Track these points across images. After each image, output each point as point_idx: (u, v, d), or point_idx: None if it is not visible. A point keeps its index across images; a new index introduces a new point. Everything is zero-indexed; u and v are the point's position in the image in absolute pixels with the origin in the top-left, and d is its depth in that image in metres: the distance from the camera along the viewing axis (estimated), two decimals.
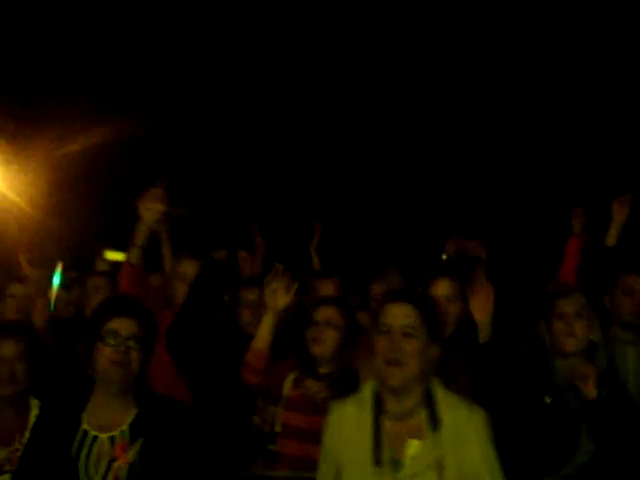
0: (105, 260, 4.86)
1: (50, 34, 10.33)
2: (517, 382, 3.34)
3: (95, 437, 2.68)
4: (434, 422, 2.44)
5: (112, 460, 2.64)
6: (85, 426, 2.70)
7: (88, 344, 2.74)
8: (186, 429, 2.76)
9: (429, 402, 2.49)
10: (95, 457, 2.64)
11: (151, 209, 3.70)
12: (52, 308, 4.83)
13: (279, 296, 3.60)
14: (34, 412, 2.95)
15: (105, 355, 2.67)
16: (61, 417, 2.73)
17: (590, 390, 2.97)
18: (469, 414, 2.48)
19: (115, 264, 4.86)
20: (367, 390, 2.59)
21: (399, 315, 2.50)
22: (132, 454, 2.65)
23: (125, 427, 2.71)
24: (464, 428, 2.44)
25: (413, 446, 2.42)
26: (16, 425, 2.93)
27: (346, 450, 2.51)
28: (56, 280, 5.27)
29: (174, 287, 4.07)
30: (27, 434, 2.83)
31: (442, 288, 3.66)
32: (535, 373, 3.36)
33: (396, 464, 2.42)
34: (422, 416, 2.48)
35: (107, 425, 2.71)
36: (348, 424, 2.55)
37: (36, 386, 3.04)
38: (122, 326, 2.70)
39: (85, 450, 2.64)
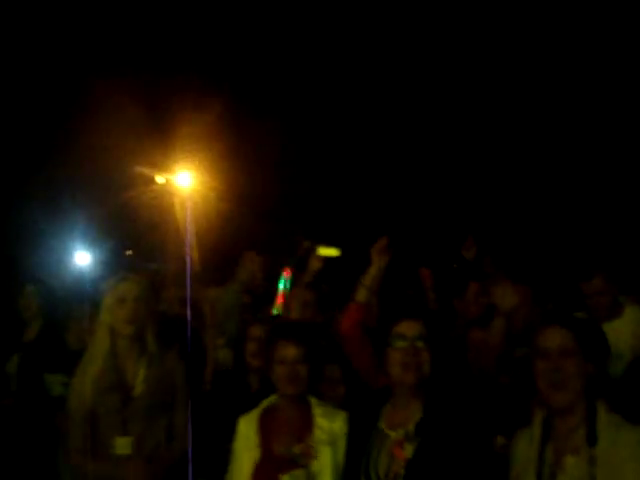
0: (319, 257, 5.06)
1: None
2: None
3: (387, 435, 2.86)
4: (591, 439, 2.54)
5: (392, 456, 2.79)
6: (381, 424, 2.90)
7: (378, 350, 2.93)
8: (467, 434, 2.81)
9: (591, 420, 2.58)
10: (384, 454, 2.81)
11: (381, 257, 3.84)
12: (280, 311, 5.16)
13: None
14: (316, 410, 3.14)
15: (396, 359, 2.85)
16: (363, 416, 2.96)
17: None
18: (630, 433, 2.55)
19: (327, 260, 5.01)
20: (537, 418, 2.75)
21: (555, 338, 2.65)
22: (409, 451, 2.77)
23: (411, 427, 2.85)
24: (622, 446, 2.50)
25: (569, 464, 2.56)
26: (302, 422, 3.11)
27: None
28: (284, 284, 5.48)
29: None
30: (316, 431, 3.06)
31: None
32: None
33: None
34: (582, 433, 2.58)
35: (398, 424, 2.87)
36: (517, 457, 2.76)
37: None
38: (409, 328, 2.85)
39: (377, 448, 2.84)
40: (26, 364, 4.37)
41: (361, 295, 3.85)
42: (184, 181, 10.04)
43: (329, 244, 5.26)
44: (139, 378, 3.30)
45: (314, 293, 4.65)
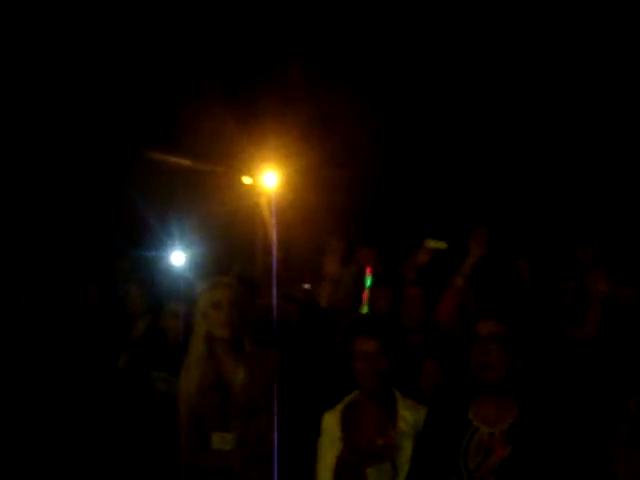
0: (427, 250, 5.15)
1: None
2: None
3: (476, 428, 2.90)
4: None
5: (488, 453, 2.83)
6: (471, 416, 2.94)
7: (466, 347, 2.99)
8: (566, 437, 2.83)
9: None
10: (474, 447, 2.85)
11: (479, 247, 4.02)
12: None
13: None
14: (400, 403, 3.19)
15: (473, 356, 2.93)
16: (450, 408, 2.98)
17: None
18: None
19: (437, 252, 5.14)
20: None
21: None
22: (507, 452, 2.80)
23: (505, 427, 2.88)
24: None
25: None
26: (386, 416, 3.15)
27: None
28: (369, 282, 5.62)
29: None
30: (399, 424, 3.11)
31: None
32: None
33: None
34: None
35: (489, 420, 2.91)
36: None
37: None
38: (483, 328, 2.93)
39: (465, 439, 2.88)
40: (134, 361, 4.59)
41: (458, 281, 3.99)
42: (270, 181, 10.23)
43: (437, 237, 5.27)
44: (237, 378, 3.46)
45: (420, 288, 4.69)
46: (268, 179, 10.17)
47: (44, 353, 5.09)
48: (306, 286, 6.78)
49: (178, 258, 6.56)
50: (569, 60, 11.30)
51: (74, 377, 4.89)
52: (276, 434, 3.38)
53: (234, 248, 8.23)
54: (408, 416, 3.17)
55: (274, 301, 4.59)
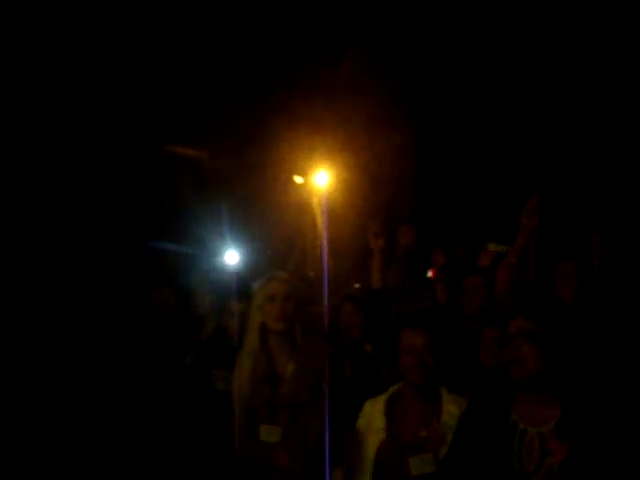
0: (489, 252, 5.21)
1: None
2: None
3: (524, 430, 2.90)
4: None
5: (544, 455, 2.81)
6: (515, 417, 2.93)
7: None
8: (617, 429, 2.82)
9: None
10: (526, 450, 2.84)
11: (531, 219, 4.02)
12: None
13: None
14: (445, 397, 3.21)
15: (504, 355, 2.98)
16: (490, 408, 2.98)
17: None
18: None
19: (498, 256, 5.16)
20: None
21: None
22: (564, 452, 2.79)
23: (552, 425, 2.88)
24: None
25: None
26: (430, 409, 3.20)
27: None
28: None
29: None
30: (444, 417, 3.13)
31: None
32: None
33: None
34: None
35: (533, 420, 2.91)
36: None
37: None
38: (512, 324, 2.97)
39: (516, 441, 2.86)
40: (198, 361, 4.70)
41: (512, 257, 4.01)
42: (322, 180, 10.30)
43: (499, 241, 5.27)
44: (288, 371, 3.53)
45: (480, 277, 4.71)
46: (319, 178, 10.24)
47: (114, 353, 5.25)
48: (356, 285, 6.86)
49: (232, 257, 6.70)
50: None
51: (142, 376, 5.02)
52: (327, 430, 3.38)
53: (287, 247, 8.31)
54: (453, 409, 3.18)
55: (325, 299, 4.63)
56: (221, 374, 4.46)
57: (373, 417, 3.30)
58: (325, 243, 6.34)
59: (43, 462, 5.13)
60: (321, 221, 8.52)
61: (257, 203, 10.48)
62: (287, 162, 10.80)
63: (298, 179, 11.02)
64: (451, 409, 3.18)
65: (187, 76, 11.62)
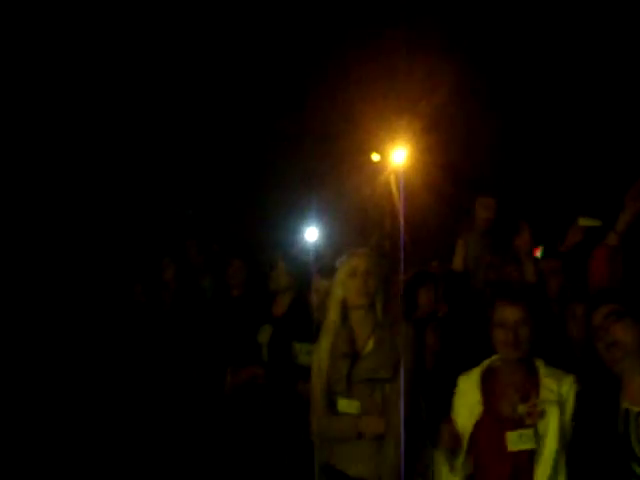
0: (579, 228, 5.13)
1: None
2: None
3: (638, 413, 2.83)
4: None
5: None
6: (626, 405, 2.88)
7: None
8: None
9: None
10: None
11: (636, 203, 3.88)
12: None
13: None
14: (542, 371, 3.11)
15: (597, 341, 2.98)
16: (600, 394, 2.94)
17: None
18: None
19: (589, 230, 5.07)
20: None
21: None
22: None
23: None
24: None
25: None
26: (528, 383, 3.10)
27: None
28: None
29: None
30: (542, 392, 3.04)
31: None
32: None
33: None
34: None
35: None
36: None
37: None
38: (596, 315, 2.98)
39: (632, 427, 2.80)
40: (277, 335, 4.75)
41: (611, 239, 3.90)
42: (399, 158, 10.32)
43: (590, 215, 5.13)
44: (368, 347, 3.56)
45: (559, 261, 4.65)
46: (397, 156, 10.26)
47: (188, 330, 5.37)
48: (434, 264, 6.86)
49: (312, 234, 6.78)
50: None
51: (217, 352, 5.09)
52: (402, 407, 3.37)
53: (365, 224, 8.38)
54: (551, 384, 3.06)
55: (401, 275, 4.57)
56: (304, 347, 4.49)
57: (467, 391, 3.23)
58: (402, 220, 6.34)
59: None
60: (398, 198, 8.56)
61: (336, 180, 10.55)
62: (365, 140, 10.83)
63: (375, 157, 11.06)
64: (549, 384, 3.07)
65: (265, 57, 11.75)
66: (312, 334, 4.19)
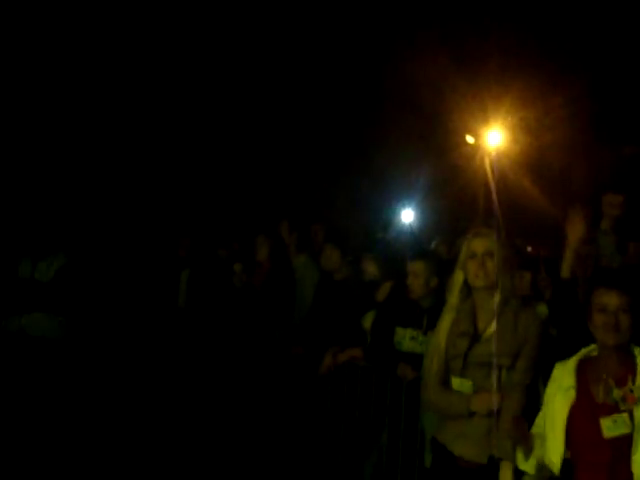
0: None
1: None
2: None
3: None
4: None
5: None
6: None
7: None
8: None
9: None
10: None
11: None
12: None
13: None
14: (639, 358, 3.01)
15: None
16: None
17: None
18: None
19: None
20: None
21: None
22: None
23: None
24: None
25: None
26: (625, 369, 3.01)
27: None
28: None
29: None
30: (638, 377, 2.93)
31: None
32: None
33: None
34: None
35: None
36: None
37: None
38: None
39: None
40: (380, 320, 4.76)
41: None
42: (494, 140, 10.20)
43: None
44: (490, 328, 3.48)
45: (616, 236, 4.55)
46: (492, 138, 10.15)
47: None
48: (529, 249, 6.77)
49: (408, 215, 6.79)
50: None
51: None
52: (523, 397, 3.33)
53: (460, 206, 8.32)
54: None
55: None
56: (408, 333, 4.47)
57: (562, 378, 3.13)
58: (496, 202, 6.23)
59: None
60: (492, 180, 8.47)
61: (430, 162, 10.51)
62: (460, 122, 10.74)
63: (469, 139, 10.96)
64: None
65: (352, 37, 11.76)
66: (415, 319, 4.20)
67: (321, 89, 11.90)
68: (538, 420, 3.15)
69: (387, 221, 6.60)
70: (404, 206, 7.12)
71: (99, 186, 9.89)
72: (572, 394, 3.04)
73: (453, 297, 3.61)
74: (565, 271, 4.42)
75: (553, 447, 3.03)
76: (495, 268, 3.49)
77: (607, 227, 4.96)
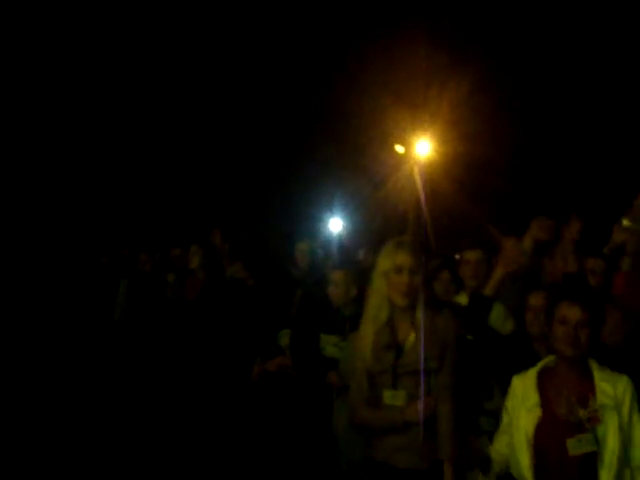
0: (623, 229, 5.11)
1: None
2: None
3: None
4: None
5: None
6: None
7: None
8: None
9: None
10: None
11: None
12: None
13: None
14: (597, 374, 3.12)
15: None
16: None
17: None
18: None
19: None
20: None
21: None
22: None
23: None
24: None
25: None
26: (585, 386, 3.09)
27: None
28: None
29: None
30: (598, 395, 3.05)
31: None
32: None
33: None
34: None
35: None
36: None
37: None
38: None
39: None
40: (298, 329, 4.72)
41: (625, 264, 4.11)
42: (423, 150, 10.38)
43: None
44: (411, 337, 3.45)
45: (603, 262, 4.64)
46: (420, 148, 10.31)
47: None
48: (457, 256, 6.89)
49: (336, 225, 6.83)
50: None
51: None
52: (452, 398, 3.38)
53: (388, 215, 8.43)
54: (607, 388, 3.06)
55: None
56: (331, 339, 4.34)
57: (524, 393, 3.20)
58: (425, 211, 6.34)
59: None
60: (421, 189, 8.64)
61: (360, 171, 10.65)
62: (389, 132, 10.90)
63: (399, 148, 11.11)
64: (605, 387, 3.06)
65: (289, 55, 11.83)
66: (338, 326, 4.23)
67: (255, 100, 11.95)
68: (502, 431, 3.23)
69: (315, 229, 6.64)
70: (332, 215, 7.19)
71: (31, 198, 9.77)
72: (537, 412, 3.09)
73: (376, 310, 3.59)
74: (489, 289, 4.49)
75: (522, 463, 3.11)
76: (418, 284, 3.49)
77: (528, 248, 5.04)
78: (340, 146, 11.36)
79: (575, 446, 2.92)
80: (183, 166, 11.47)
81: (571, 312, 3.05)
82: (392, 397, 3.41)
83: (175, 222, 9.13)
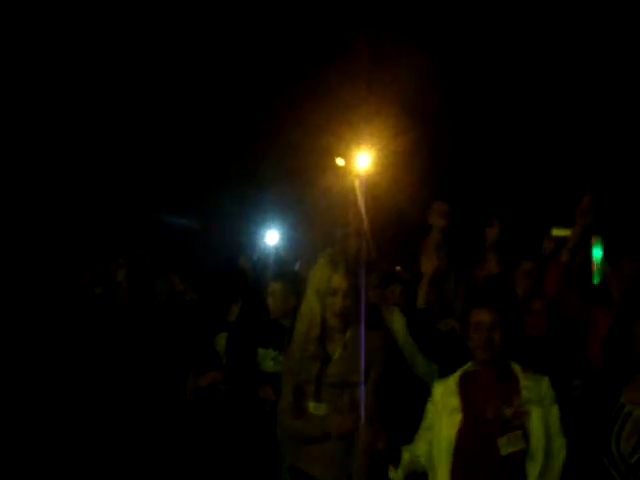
0: (552, 237, 5.14)
1: None
2: None
3: (629, 412, 2.94)
4: None
5: None
6: (623, 400, 2.98)
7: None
8: None
9: None
10: (627, 431, 2.90)
11: (585, 218, 4.03)
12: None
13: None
14: (519, 374, 3.17)
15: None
16: (601, 388, 3.06)
17: None
18: None
19: (561, 241, 4.91)
20: None
21: None
22: None
23: None
24: None
25: None
26: (508, 386, 3.13)
27: None
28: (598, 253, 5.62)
29: None
30: (523, 392, 3.09)
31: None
32: None
33: None
34: None
35: None
36: None
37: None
38: None
39: (618, 423, 2.94)
40: (235, 341, 4.66)
41: (563, 255, 4.07)
42: (363, 163, 10.28)
43: (562, 224, 5.12)
44: (337, 351, 3.50)
45: (535, 264, 4.67)
46: (361, 161, 10.23)
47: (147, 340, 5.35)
48: (397, 268, 6.81)
49: (272, 237, 6.69)
50: None
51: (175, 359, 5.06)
52: (372, 409, 3.37)
53: (327, 229, 8.29)
54: (531, 385, 3.13)
55: (362, 282, 4.45)
56: (269, 354, 4.37)
57: (445, 398, 3.23)
58: (365, 224, 6.22)
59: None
60: (362, 202, 8.44)
61: (299, 184, 10.52)
62: (330, 145, 10.84)
63: (340, 161, 11.04)
64: (529, 384, 3.13)
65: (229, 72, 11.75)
66: (275, 339, 4.13)
67: (202, 104, 11.81)
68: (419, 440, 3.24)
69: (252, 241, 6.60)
70: (269, 228, 7.03)
71: None
72: (458, 417, 3.12)
73: (305, 325, 3.55)
74: (420, 300, 4.48)
75: (440, 469, 3.10)
76: (352, 305, 3.47)
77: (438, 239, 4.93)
78: (278, 159, 11.26)
79: (506, 445, 2.98)
80: (119, 175, 11.23)
81: (481, 317, 3.17)
82: (315, 407, 3.43)
83: (105, 236, 8.87)
